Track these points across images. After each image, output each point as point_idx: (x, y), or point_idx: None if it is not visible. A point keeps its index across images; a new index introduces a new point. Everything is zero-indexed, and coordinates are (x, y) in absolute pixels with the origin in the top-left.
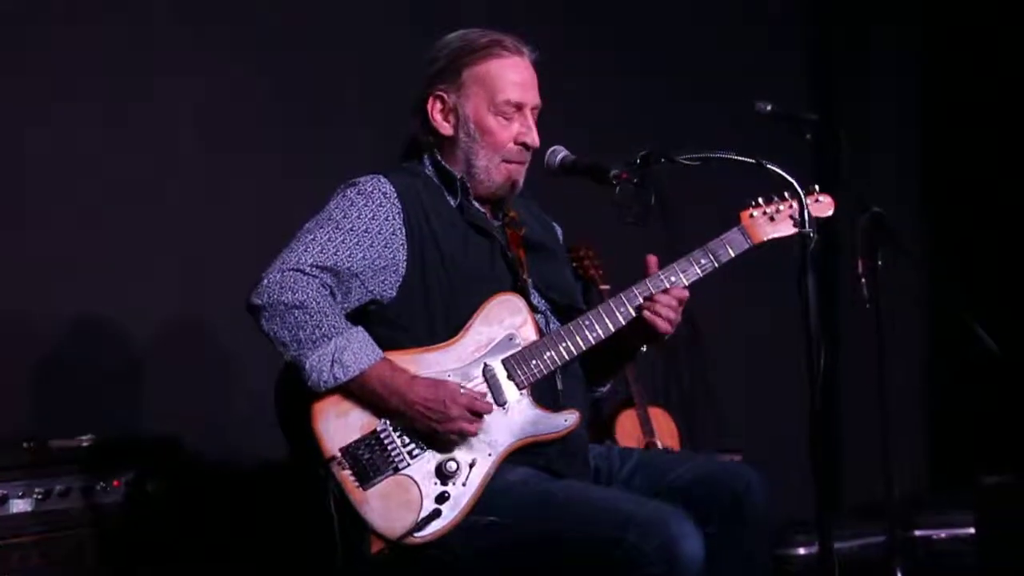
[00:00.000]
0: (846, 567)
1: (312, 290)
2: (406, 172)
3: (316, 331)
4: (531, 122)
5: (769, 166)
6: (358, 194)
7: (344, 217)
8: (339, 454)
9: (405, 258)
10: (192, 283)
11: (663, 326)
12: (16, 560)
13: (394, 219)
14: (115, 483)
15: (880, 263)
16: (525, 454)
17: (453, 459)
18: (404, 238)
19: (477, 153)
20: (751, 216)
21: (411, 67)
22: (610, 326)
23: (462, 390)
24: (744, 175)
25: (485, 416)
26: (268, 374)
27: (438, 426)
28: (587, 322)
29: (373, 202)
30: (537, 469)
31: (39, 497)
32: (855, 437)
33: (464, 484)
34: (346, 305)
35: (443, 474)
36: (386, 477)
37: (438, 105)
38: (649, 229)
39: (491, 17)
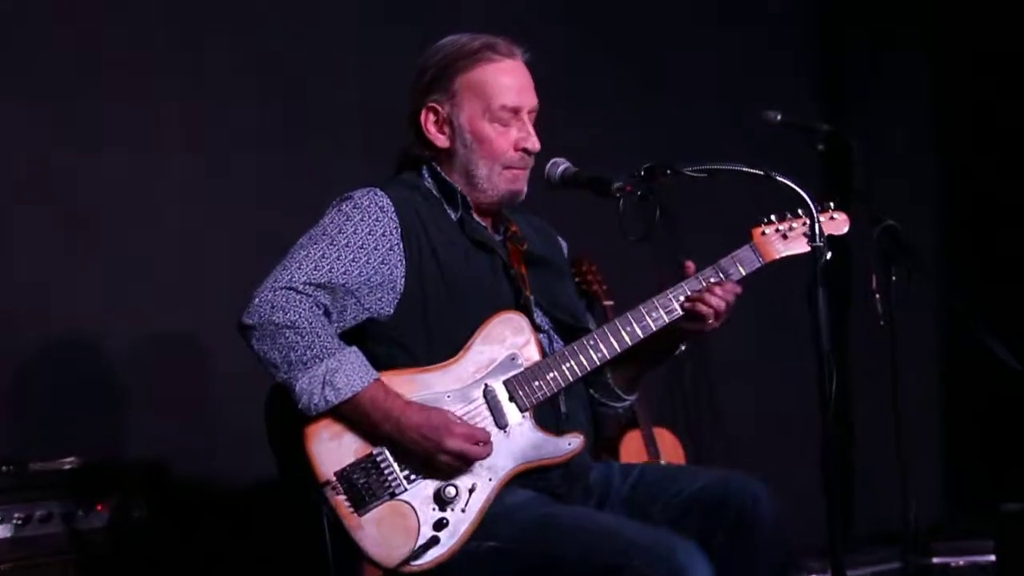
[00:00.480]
0: None
1: (304, 309)
2: (404, 185)
3: (307, 352)
4: (530, 126)
5: (779, 178)
6: (353, 208)
7: (339, 232)
8: (333, 478)
9: (403, 274)
10: (180, 301)
11: (706, 311)
12: None
13: (391, 234)
14: (99, 508)
15: (894, 278)
16: (526, 478)
17: (452, 484)
18: (402, 253)
19: (476, 163)
20: (763, 233)
21: (410, 73)
22: (616, 346)
23: (458, 416)
24: (754, 188)
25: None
26: (258, 395)
27: (432, 455)
28: (592, 342)
29: (369, 216)
30: (538, 492)
31: (18, 523)
32: (869, 460)
33: (463, 510)
34: (341, 324)
35: (442, 500)
36: (382, 502)
37: (431, 117)
38: (653, 244)
39: (489, 20)
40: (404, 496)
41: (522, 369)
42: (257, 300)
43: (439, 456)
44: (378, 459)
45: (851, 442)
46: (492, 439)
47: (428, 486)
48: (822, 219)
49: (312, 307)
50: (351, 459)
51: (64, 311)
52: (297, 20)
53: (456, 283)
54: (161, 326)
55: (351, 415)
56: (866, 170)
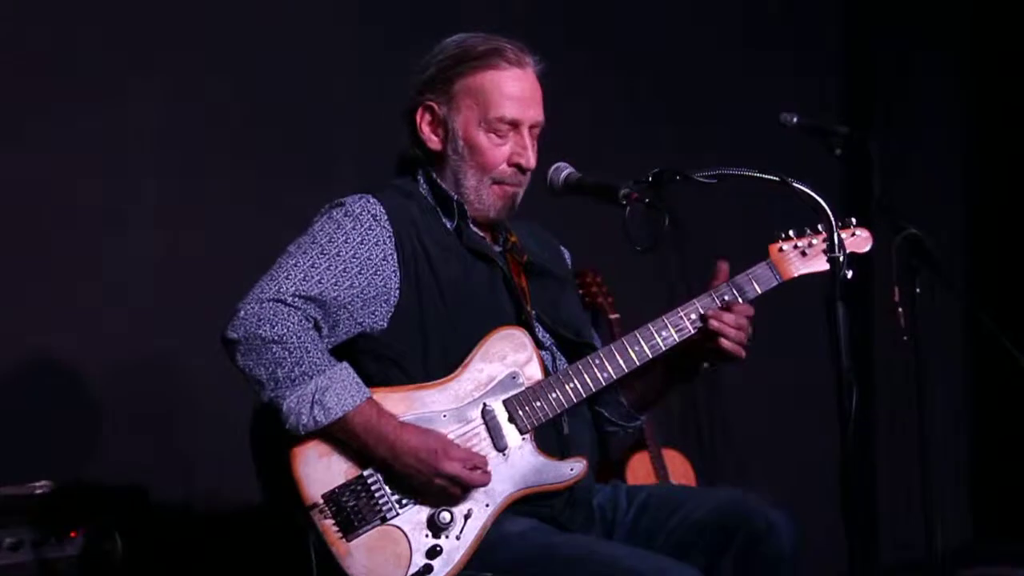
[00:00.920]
0: None
1: (293, 323)
2: (398, 191)
3: (296, 369)
4: (528, 141)
5: (796, 185)
6: (345, 215)
7: (329, 241)
8: (321, 501)
9: (397, 286)
10: (158, 317)
11: (733, 348)
12: None
13: (385, 243)
14: (72, 535)
15: (918, 291)
16: (527, 504)
17: (447, 510)
18: (396, 264)
19: (466, 173)
20: (780, 250)
21: (406, 73)
22: (623, 366)
23: (454, 436)
24: (768, 196)
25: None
26: (242, 414)
27: (427, 480)
28: (597, 361)
29: (362, 224)
30: (539, 520)
31: None
32: (892, 485)
33: (458, 537)
34: (333, 339)
35: (435, 526)
36: (372, 527)
37: (427, 116)
38: (662, 254)
39: (491, 18)
40: (396, 521)
41: (523, 388)
42: (242, 313)
43: (434, 481)
44: (369, 481)
45: (873, 465)
46: (490, 463)
47: (421, 511)
48: (844, 236)
49: (301, 321)
50: (340, 481)
51: (36, 331)
52: (273, 21)
53: (453, 296)
54: (141, 342)
55: (341, 435)
56: (888, 176)
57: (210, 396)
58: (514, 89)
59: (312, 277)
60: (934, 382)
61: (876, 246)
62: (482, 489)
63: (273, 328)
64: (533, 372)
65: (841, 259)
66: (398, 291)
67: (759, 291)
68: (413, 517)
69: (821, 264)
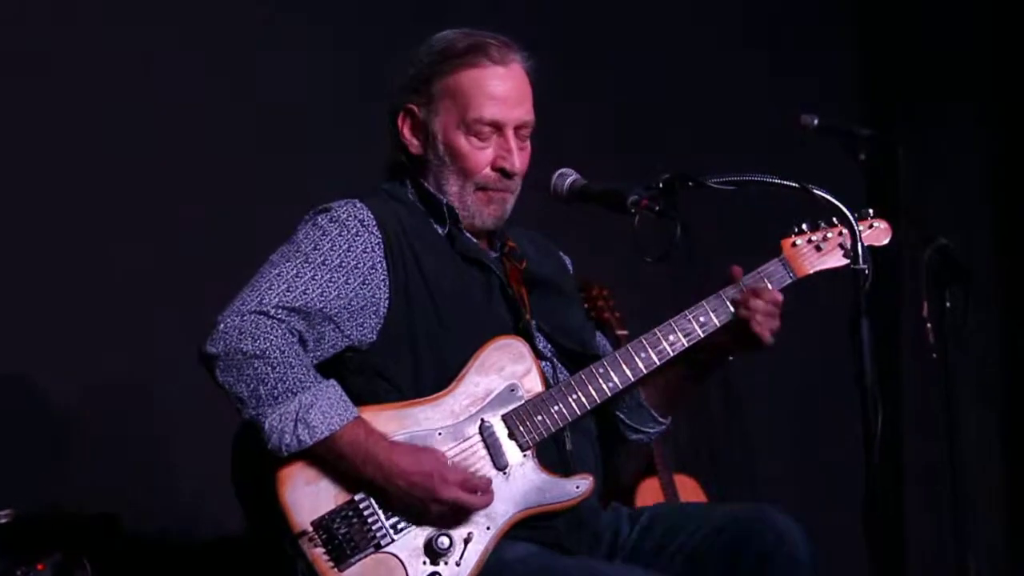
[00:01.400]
0: None
1: (276, 337)
2: (386, 196)
3: (279, 385)
4: (512, 144)
5: (816, 191)
6: (330, 222)
7: (314, 249)
8: (310, 528)
9: (387, 296)
10: (130, 332)
11: (762, 332)
12: None
13: (373, 251)
14: (39, 567)
15: (948, 305)
16: (529, 527)
17: (445, 534)
18: (385, 273)
19: (447, 178)
20: (794, 245)
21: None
22: (629, 375)
23: (450, 455)
24: (787, 204)
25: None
26: (221, 436)
27: (423, 505)
28: (601, 370)
29: (348, 231)
30: (543, 545)
31: None
32: (921, 512)
33: (458, 563)
34: (318, 354)
35: (433, 552)
36: (366, 555)
37: (408, 120)
38: (673, 265)
39: (491, 19)
40: (391, 548)
41: (523, 402)
42: (222, 326)
43: (431, 507)
44: (361, 506)
45: (901, 491)
46: (491, 484)
47: (418, 536)
48: (861, 228)
49: (285, 334)
50: (331, 506)
51: (1, 353)
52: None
53: (447, 305)
54: (111, 361)
55: (329, 457)
56: (915, 182)
57: (186, 416)
58: (496, 89)
59: (296, 287)
60: (966, 402)
61: (904, 258)
62: (483, 511)
63: (255, 342)
64: (533, 384)
65: (867, 271)
66: (388, 301)
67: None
68: (409, 543)
69: (838, 259)
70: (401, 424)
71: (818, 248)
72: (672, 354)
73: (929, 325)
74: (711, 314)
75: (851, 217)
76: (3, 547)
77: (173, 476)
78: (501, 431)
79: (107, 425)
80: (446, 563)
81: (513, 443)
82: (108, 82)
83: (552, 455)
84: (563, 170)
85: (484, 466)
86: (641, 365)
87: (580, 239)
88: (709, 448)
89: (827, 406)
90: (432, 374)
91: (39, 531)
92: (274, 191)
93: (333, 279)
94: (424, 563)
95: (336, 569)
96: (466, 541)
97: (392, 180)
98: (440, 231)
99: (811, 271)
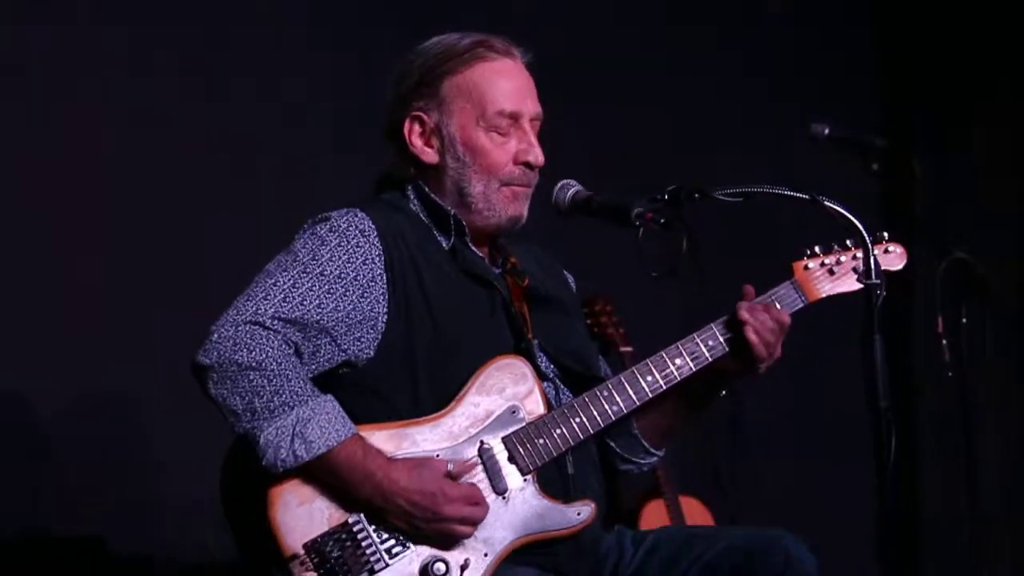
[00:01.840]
0: None
1: (272, 348)
2: (388, 206)
3: (275, 398)
4: (532, 136)
5: (828, 204)
6: (330, 231)
7: (312, 259)
8: (302, 551)
9: (386, 311)
10: (114, 347)
11: (759, 347)
12: None
13: (373, 263)
14: None
15: (965, 320)
16: (529, 552)
17: (441, 560)
18: (385, 286)
19: (470, 179)
20: (806, 268)
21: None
22: (634, 398)
23: (449, 466)
24: (798, 216)
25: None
26: (213, 458)
27: (424, 525)
28: (605, 393)
29: (348, 242)
30: (542, 570)
31: None
32: (937, 538)
33: None
34: (313, 367)
35: None
36: None
37: (416, 128)
38: (679, 281)
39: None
40: (385, 573)
41: (524, 424)
42: (216, 336)
43: (433, 525)
44: (355, 529)
45: (916, 516)
46: (490, 506)
47: (413, 561)
48: (876, 252)
49: (281, 345)
50: (323, 528)
51: None
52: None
53: (448, 322)
54: (94, 378)
55: (324, 475)
56: (931, 193)
57: (175, 436)
58: (509, 80)
59: (292, 298)
60: (985, 424)
61: (919, 271)
62: (480, 536)
63: (251, 353)
64: (534, 406)
65: (879, 290)
66: (386, 316)
67: None
68: (404, 568)
69: (851, 283)
70: (397, 445)
71: (831, 272)
72: (679, 378)
73: (945, 342)
74: (720, 338)
75: (863, 230)
76: None
77: (158, 497)
78: (501, 454)
79: (92, 444)
80: None
81: (513, 467)
82: (105, 83)
83: (554, 480)
84: (565, 181)
85: (483, 490)
86: (647, 389)
87: (582, 252)
88: (715, 469)
89: (837, 427)
90: (431, 393)
91: (18, 557)
92: (268, 200)
93: (331, 290)
94: None
95: None
96: (463, 567)
97: (392, 189)
98: (444, 243)
99: (823, 295)
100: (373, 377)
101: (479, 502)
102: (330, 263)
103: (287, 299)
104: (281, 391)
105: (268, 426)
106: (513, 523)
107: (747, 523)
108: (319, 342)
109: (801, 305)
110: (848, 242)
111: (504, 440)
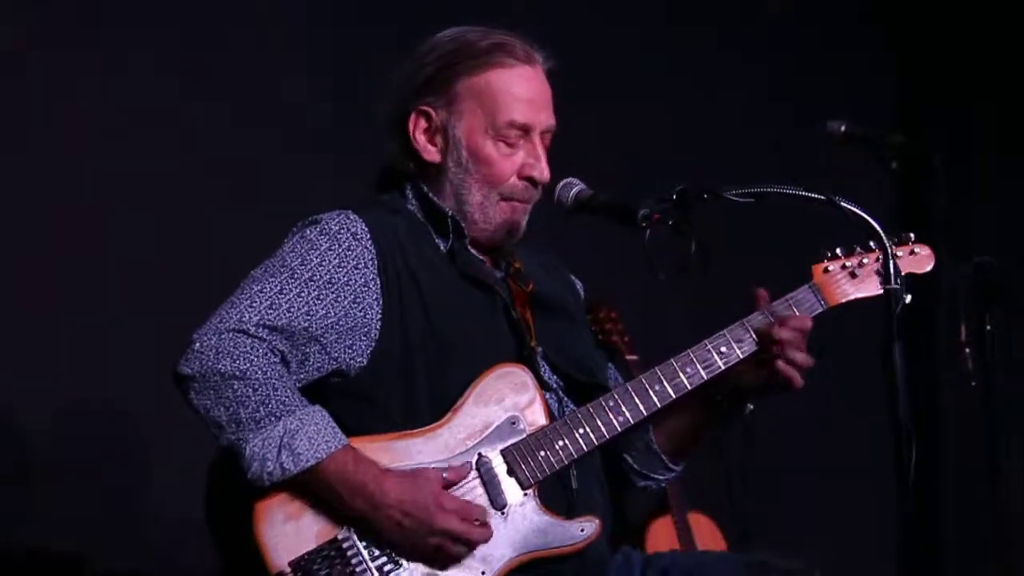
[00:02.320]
0: None
1: (258, 356)
2: (382, 207)
3: (261, 409)
4: (540, 150)
5: (844, 204)
6: (320, 234)
7: (301, 264)
8: (288, 569)
9: (379, 317)
10: (96, 357)
11: (787, 372)
12: None
13: (366, 267)
14: None
15: (989, 328)
16: (530, 571)
17: None
18: (378, 291)
19: (469, 187)
20: (826, 271)
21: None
22: (641, 409)
23: (444, 474)
24: (813, 218)
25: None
26: (198, 473)
27: (418, 539)
28: (611, 403)
29: (340, 245)
30: None
31: None
32: (961, 556)
33: None
34: (302, 376)
35: None
36: None
37: (422, 123)
38: (687, 284)
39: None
40: None
41: (524, 436)
42: (198, 345)
43: (427, 539)
44: (344, 545)
45: (938, 532)
46: (489, 522)
47: None
48: (900, 254)
49: (267, 354)
50: (311, 545)
51: None
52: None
53: (445, 328)
54: (76, 388)
55: (313, 489)
56: (952, 193)
57: (159, 451)
58: (525, 89)
59: (279, 304)
60: (1011, 436)
61: (941, 277)
62: (478, 554)
63: (234, 362)
64: (536, 417)
65: (902, 295)
66: (380, 322)
67: None
68: None
69: (874, 287)
70: (391, 457)
71: (853, 275)
72: (689, 387)
73: (968, 350)
74: (733, 345)
75: (881, 232)
76: None
77: (142, 514)
78: (500, 467)
79: (74, 456)
80: None
81: (513, 481)
82: (105, 84)
83: (556, 495)
84: (568, 180)
85: (482, 505)
86: (655, 399)
87: (585, 254)
88: (726, 484)
89: (855, 440)
90: (427, 403)
91: (3, 572)
92: (268, 201)
93: (321, 296)
94: None
95: None
96: None
97: (389, 189)
98: (442, 246)
99: (844, 300)
100: (366, 386)
101: (477, 520)
102: (320, 268)
103: (273, 306)
104: (267, 401)
105: (254, 437)
106: (512, 540)
107: (759, 539)
108: (308, 350)
109: (820, 309)
110: (872, 243)
111: (503, 452)
